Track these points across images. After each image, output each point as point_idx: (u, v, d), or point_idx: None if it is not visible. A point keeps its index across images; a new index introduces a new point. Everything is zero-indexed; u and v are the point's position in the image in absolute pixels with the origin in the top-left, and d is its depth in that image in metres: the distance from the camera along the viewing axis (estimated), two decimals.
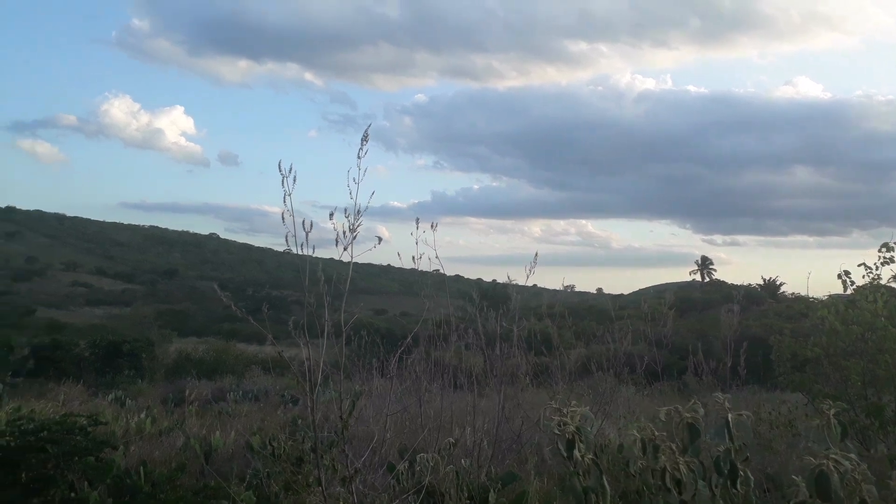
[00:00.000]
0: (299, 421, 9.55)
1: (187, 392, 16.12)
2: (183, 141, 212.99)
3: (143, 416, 11.35)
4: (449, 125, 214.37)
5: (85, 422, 5.77)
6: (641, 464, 2.96)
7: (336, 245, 4.52)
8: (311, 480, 4.27)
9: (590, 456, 2.88)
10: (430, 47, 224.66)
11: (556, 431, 2.93)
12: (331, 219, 3.79)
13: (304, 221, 3.61)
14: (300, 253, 3.61)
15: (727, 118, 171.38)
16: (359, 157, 3.67)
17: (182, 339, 41.33)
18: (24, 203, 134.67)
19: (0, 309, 64.92)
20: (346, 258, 4.39)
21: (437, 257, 4.67)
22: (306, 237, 3.64)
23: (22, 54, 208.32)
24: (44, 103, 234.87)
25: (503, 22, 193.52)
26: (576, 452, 2.90)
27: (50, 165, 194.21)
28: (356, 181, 3.70)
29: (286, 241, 3.63)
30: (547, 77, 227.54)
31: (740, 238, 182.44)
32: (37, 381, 21.75)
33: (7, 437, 5.60)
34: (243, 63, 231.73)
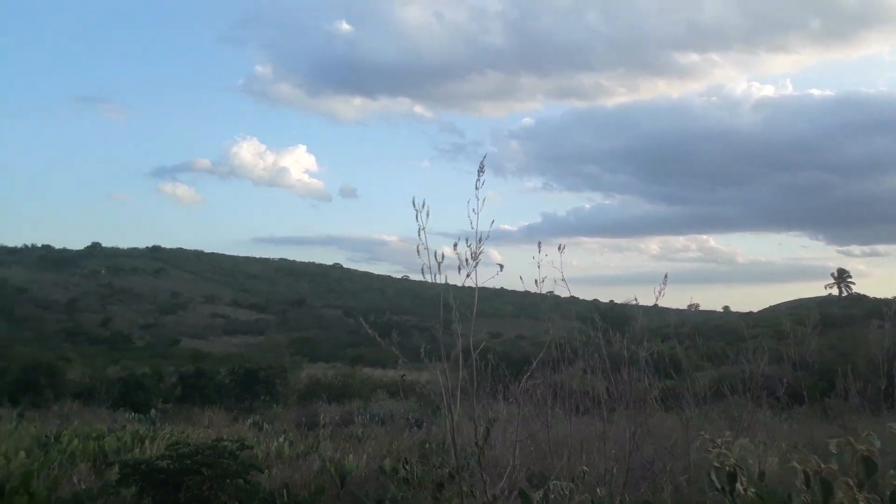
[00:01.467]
0: (427, 445, 9.74)
1: (321, 416, 16.84)
2: (306, 178, 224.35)
3: (281, 440, 11.95)
4: (557, 146, 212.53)
5: (233, 446, 6.19)
6: (806, 498, 2.80)
7: (459, 272, 4.67)
8: None
9: (752, 490, 2.78)
10: (535, 71, 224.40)
11: (716, 464, 2.84)
12: (455, 249, 3.92)
13: (436, 253, 3.76)
14: (433, 282, 3.75)
15: (858, 120, 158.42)
16: (477, 188, 3.80)
17: (311, 364, 43.12)
18: (168, 242, 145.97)
19: (150, 340, 70.67)
20: (469, 283, 4.52)
21: (563, 279, 4.68)
22: (439, 267, 3.79)
23: (161, 107, 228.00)
24: (182, 150, 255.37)
25: (608, 40, 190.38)
26: (738, 486, 2.80)
27: (189, 206, 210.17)
28: (475, 211, 3.81)
29: (422, 272, 3.80)
30: (657, 91, 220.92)
31: (882, 248, 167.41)
32: (184, 407, 23.47)
33: (167, 461, 6.11)
34: (358, 100, 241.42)
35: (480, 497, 3.70)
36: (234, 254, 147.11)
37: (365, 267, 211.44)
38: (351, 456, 9.60)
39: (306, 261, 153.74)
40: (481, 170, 3.84)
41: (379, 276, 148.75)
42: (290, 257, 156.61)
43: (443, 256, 3.81)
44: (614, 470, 5.10)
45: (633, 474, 5.77)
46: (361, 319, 3.80)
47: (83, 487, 7.40)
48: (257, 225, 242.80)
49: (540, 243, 4.72)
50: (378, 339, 3.79)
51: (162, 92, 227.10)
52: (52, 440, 10.72)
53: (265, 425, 18.03)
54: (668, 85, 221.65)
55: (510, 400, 6.99)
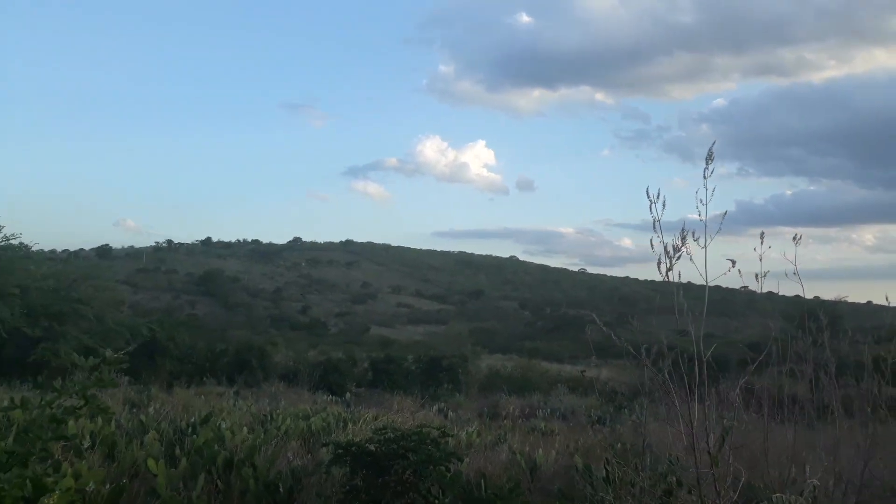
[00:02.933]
0: (619, 445, 9.46)
1: (511, 407, 17.04)
2: (485, 172, 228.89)
3: (470, 429, 12.25)
4: (754, 128, 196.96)
5: (436, 433, 6.41)
6: None
7: (658, 267, 4.45)
8: None
9: None
10: (730, 48, 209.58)
11: None
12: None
13: (666, 246, 3.60)
14: (668, 280, 3.60)
15: None
16: (705, 178, 3.58)
17: (490, 355, 43.86)
18: (360, 236, 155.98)
19: (343, 327, 75.84)
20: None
21: (795, 273, 4.27)
22: (670, 262, 3.63)
23: (355, 110, 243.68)
24: (372, 149, 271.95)
25: (816, 8, 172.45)
26: None
27: (378, 202, 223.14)
28: (703, 202, 3.59)
29: (658, 268, 3.65)
30: (875, 62, 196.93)
31: None
32: (375, 392, 24.90)
33: (375, 444, 6.47)
34: (537, 92, 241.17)
35: None
36: (418, 247, 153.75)
37: (541, 259, 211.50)
38: (540, 450, 9.59)
39: (484, 253, 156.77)
40: (710, 158, 3.60)
41: (555, 268, 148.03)
42: (469, 250, 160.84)
43: (678, 251, 3.63)
44: (846, 488, 4.61)
45: (864, 492, 5.20)
46: (596, 318, 3.73)
47: (298, 464, 8.07)
48: (439, 219, 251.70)
49: (763, 234, 4.37)
50: (614, 336, 3.68)
51: (355, 96, 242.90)
52: (269, 418, 11.84)
53: (450, 413, 18.59)
54: (888, 55, 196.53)
55: (707, 403, 6.58)
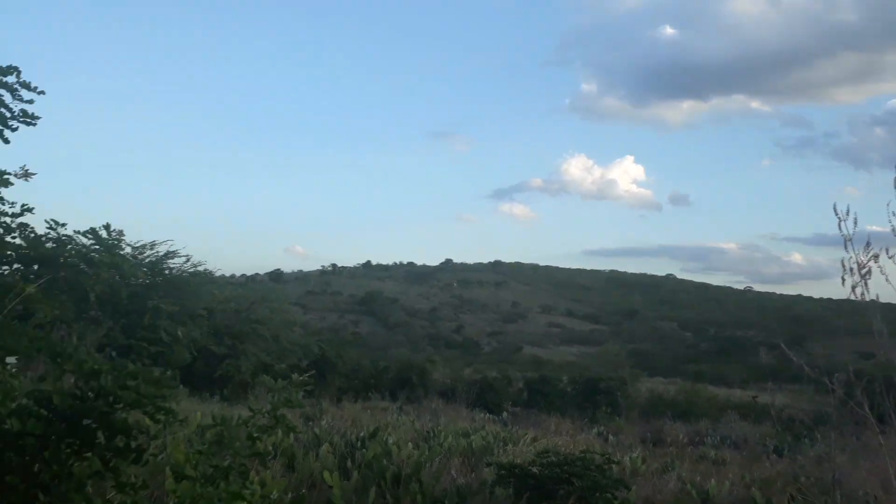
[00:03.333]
0: (802, 479, 8.72)
1: (677, 435, 16.28)
2: (634, 188, 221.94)
3: (634, 455, 11.83)
4: None
5: (600, 459, 6.28)
6: None
7: (843, 282, 4.10)
8: None
9: None
10: None
11: None
12: (850, 260, 3.42)
13: (853, 262, 3.34)
14: (856, 299, 3.33)
15: None
16: None
17: (649, 378, 42.12)
18: (507, 256, 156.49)
19: (496, 346, 76.34)
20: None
21: None
22: (863, 280, 3.36)
23: (498, 134, 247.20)
24: (517, 171, 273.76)
25: None
26: None
27: (524, 223, 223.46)
28: None
29: (841, 281, 3.40)
30: None
31: None
32: (531, 412, 24.74)
33: (538, 467, 6.44)
34: (686, 104, 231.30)
35: None
36: (567, 266, 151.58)
37: (701, 277, 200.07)
38: (713, 480, 9.06)
39: (638, 272, 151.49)
40: None
41: (717, 286, 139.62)
42: (621, 269, 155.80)
43: (847, 265, 3.36)
44: None
45: None
46: (784, 346, 3.52)
47: (462, 482, 8.21)
48: (588, 237, 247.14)
49: None
50: (794, 359, 3.46)
51: (498, 121, 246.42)
52: (431, 434, 12.14)
53: (610, 437, 18.04)
54: None
55: None
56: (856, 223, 3.53)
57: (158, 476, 3.95)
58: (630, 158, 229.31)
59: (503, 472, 6.58)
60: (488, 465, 8.21)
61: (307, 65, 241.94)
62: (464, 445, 11.06)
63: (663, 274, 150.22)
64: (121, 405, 2.68)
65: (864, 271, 3.94)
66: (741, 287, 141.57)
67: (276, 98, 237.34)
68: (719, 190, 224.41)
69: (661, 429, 20.85)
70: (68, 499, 2.29)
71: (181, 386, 19.52)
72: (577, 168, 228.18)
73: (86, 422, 2.62)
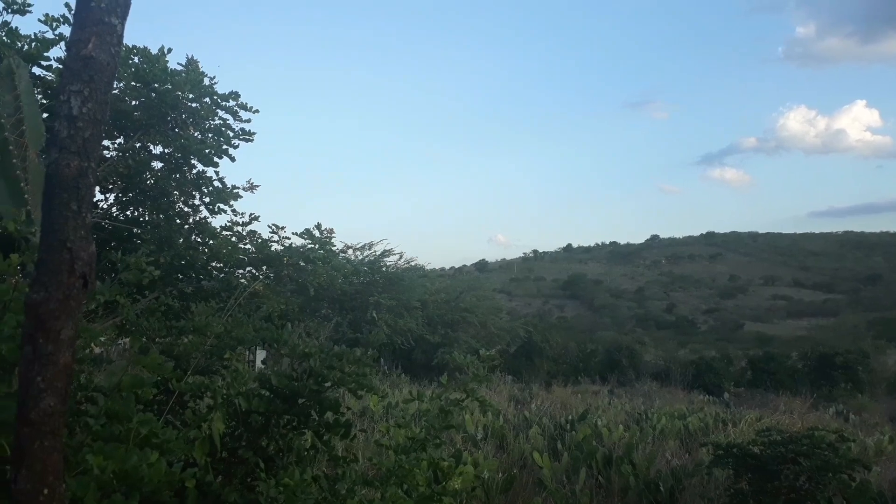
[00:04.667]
0: None
1: None
2: (868, 136, 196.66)
3: (880, 434, 10.56)
4: None
5: (832, 437, 5.70)
6: None
7: None
8: None
9: None
10: None
11: None
12: None
13: None
14: None
15: None
16: None
17: None
18: (721, 226, 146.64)
19: (713, 324, 71.93)
20: None
21: None
22: None
23: (702, 96, 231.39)
24: (726, 133, 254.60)
25: None
26: None
27: (738, 188, 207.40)
28: None
29: None
30: None
31: None
32: (756, 392, 23.00)
33: (759, 447, 6.00)
34: None
35: None
36: (791, 231, 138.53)
37: None
38: None
39: (878, 231, 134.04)
40: None
41: None
42: (857, 229, 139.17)
43: None
44: None
45: None
46: None
47: (677, 463, 7.89)
48: (814, 197, 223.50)
49: None
50: None
51: (700, 82, 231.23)
52: (643, 417, 11.81)
53: (851, 416, 16.27)
54: None
55: None
56: None
57: (367, 450, 4.30)
58: (861, 103, 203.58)
59: (720, 452, 6.21)
60: (702, 445, 7.81)
61: (502, 52, 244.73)
62: (679, 427, 10.63)
63: None
64: (328, 384, 2.97)
65: None
66: None
67: (469, 90, 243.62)
68: None
69: None
70: (292, 470, 2.59)
71: (402, 374, 20.99)
72: (797, 121, 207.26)
73: (301, 400, 2.95)
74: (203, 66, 6.05)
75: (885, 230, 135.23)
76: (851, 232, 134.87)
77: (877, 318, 65.82)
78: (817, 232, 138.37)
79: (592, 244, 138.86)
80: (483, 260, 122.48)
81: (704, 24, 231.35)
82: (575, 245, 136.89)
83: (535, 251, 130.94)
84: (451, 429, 2.97)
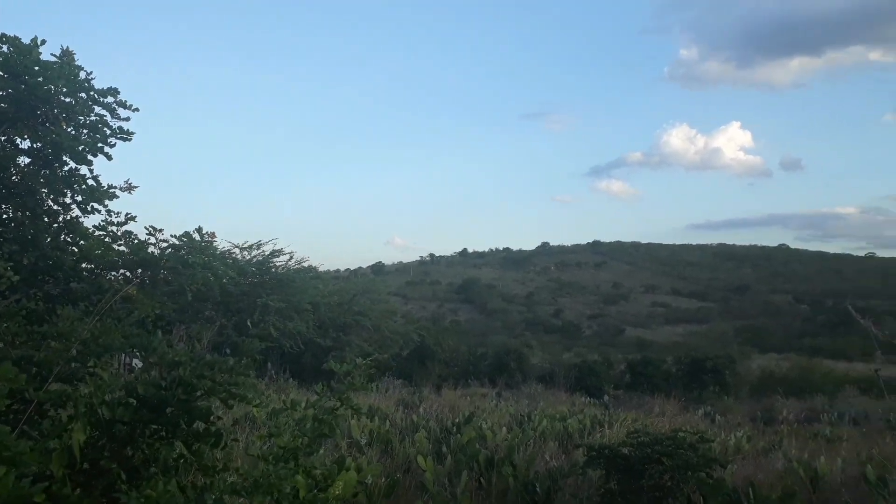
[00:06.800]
0: None
1: (784, 412, 15.57)
2: (742, 155, 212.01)
3: (739, 434, 11.42)
4: None
5: (693, 438, 6.12)
6: None
7: None
8: None
9: None
10: None
11: None
12: None
13: None
14: None
15: None
16: None
17: (762, 355, 40.32)
18: (606, 236, 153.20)
19: (596, 329, 75.10)
20: None
21: None
22: None
23: (593, 110, 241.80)
24: (614, 147, 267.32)
25: None
26: None
27: (623, 200, 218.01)
28: None
29: None
30: None
31: None
32: (634, 394, 24.25)
33: (628, 448, 6.36)
34: (796, 62, 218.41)
35: None
36: (671, 242, 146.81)
37: (817, 245, 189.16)
38: (822, 458, 8.61)
39: (747, 244, 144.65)
40: None
41: (835, 254, 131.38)
42: (729, 241, 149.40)
43: None
44: None
45: None
46: (850, 307, 3.35)
47: (555, 465, 8.21)
48: (692, 211, 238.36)
49: None
50: (869, 324, 3.27)
51: (593, 97, 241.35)
52: (526, 419, 12.19)
53: (717, 417, 17.47)
54: None
55: None
56: None
57: (240, 459, 4.24)
58: (736, 125, 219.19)
59: (593, 453, 6.54)
60: (577, 447, 8.18)
61: (399, 58, 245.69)
62: (559, 429, 11.04)
63: (775, 244, 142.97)
64: (199, 393, 2.91)
65: None
66: (862, 254, 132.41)
67: (368, 93, 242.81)
68: (835, 151, 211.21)
69: (772, 407, 19.99)
70: (156, 480, 2.51)
71: (291, 379, 20.56)
72: (679, 138, 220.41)
73: (169, 409, 2.86)
74: (80, 61, 5.72)
75: (753, 243, 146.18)
76: (724, 244, 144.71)
77: (744, 325, 71.05)
78: (694, 244, 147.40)
79: (487, 249, 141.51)
80: (380, 262, 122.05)
81: (599, 42, 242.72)
82: (470, 250, 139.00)
83: (431, 255, 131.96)
84: (325, 437, 2.98)
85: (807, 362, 31.28)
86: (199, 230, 6.18)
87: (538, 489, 7.07)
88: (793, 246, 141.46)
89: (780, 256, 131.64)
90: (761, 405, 21.11)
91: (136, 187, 6.99)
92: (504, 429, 10.50)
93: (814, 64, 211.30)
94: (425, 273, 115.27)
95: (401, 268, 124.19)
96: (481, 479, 7.67)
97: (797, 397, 22.41)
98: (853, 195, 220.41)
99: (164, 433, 2.91)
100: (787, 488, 6.77)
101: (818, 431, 14.15)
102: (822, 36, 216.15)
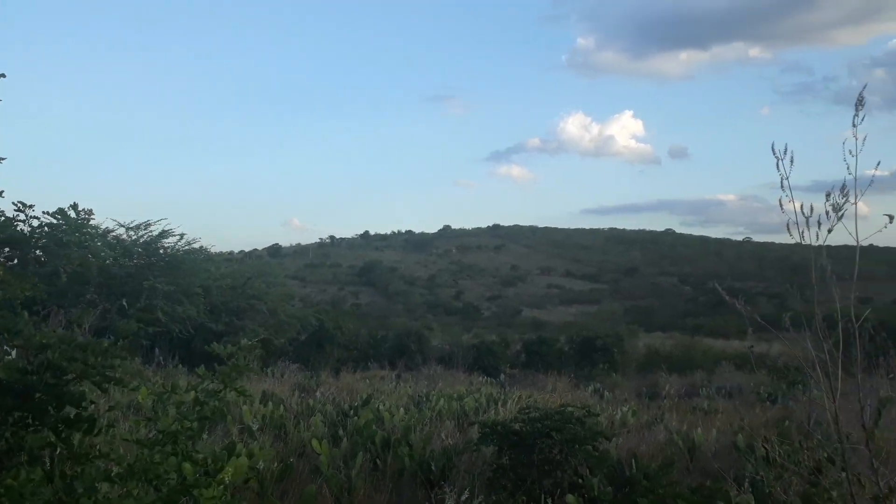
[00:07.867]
0: (786, 423, 8.88)
1: (666, 387, 16.49)
2: (633, 143, 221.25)
3: (625, 409, 12.00)
4: None
5: (580, 413, 6.37)
6: None
7: (819, 227, 4.11)
8: (833, 496, 3.90)
9: None
10: None
11: None
12: (827, 199, 3.45)
13: (801, 206, 3.36)
14: (803, 242, 3.36)
15: None
16: (854, 126, 3.26)
17: (648, 334, 42.44)
18: (506, 220, 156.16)
19: (495, 311, 76.73)
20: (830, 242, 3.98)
21: None
22: (807, 222, 3.39)
23: (494, 96, 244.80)
24: (514, 132, 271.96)
25: None
26: None
27: (522, 184, 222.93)
28: (852, 153, 3.28)
29: (787, 228, 3.42)
30: None
31: None
32: (529, 373, 24.99)
33: (519, 424, 6.54)
34: (685, 55, 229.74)
35: (870, 488, 3.21)
36: (566, 226, 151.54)
37: (700, 230, 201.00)
38: (699, 429, 9.21)
39: (637, 228, 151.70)
40: (860, 103, 3.29)
41: (716, 239, 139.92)
42: (620, 226, 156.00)
43: (811, 209, 3.38)
44: None
45: None
46: (718, 286, 3.56)
47: (450, 443, 8.34)
48: (586, 196, 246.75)
49: None
50: (738, 304, 3.50)
51: (493, 81, 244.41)
52: (424, 399, 12.31)
53: (605, 393, 18.29)
54: None
55: (860, 375, 5.97)
56: (792, 163, 3.53)
57: (116, 444, 4.03)
58: (628, 114, 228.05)
59: (487, 430, 6.69)
60: (471, 424, 8.34)
61: (298, 34, 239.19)
62: (455, 408, 11.22)
63: (662, 229, 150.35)
64: (70, 377, 2.74)
65: (840, 213, 3.96)
66: (740, 238, 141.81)
67: (267, 69, 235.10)
68: (718, 141, 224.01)
69: (656, 383, 21.11)
70: (18, 469, 2.35)
71: (180, 364, 19.79)
72: (575, 126, 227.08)
73: (37, 395, 2.68)
74: None
75: (643, 228, 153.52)
76: (615, 228, 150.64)
77: (632, 305, 74.66)
78: (588, 227, 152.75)
79: (389, 232, 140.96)
80: (277, 245, 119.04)
81: (500, 27, 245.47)
82: (372, 232, 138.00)
83: (331, 237, 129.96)
84: (209, 421, 2.88)
85: (689, 340, 33.26)
86: (74, 206, 5.79)
87: (433, 467, 7.16)
88: (678, 231, 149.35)
89: (667, 240, 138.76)
90: (647, 381, 22.24)
91: (2, 159, 6.45)
92: (402, 410, 10.56)
93: (701, 57, 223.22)
94: (325, 256, 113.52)
95: (299, 250, 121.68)
96: (377, 461, 7.69)
97: (679, 373, 23.76)
98: (733, 183, 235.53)
99: (30, 420, 2.72)
100: (667, 458, 7.21)
101: (697, 405, 15.09)
102: (708, 31, 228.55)
